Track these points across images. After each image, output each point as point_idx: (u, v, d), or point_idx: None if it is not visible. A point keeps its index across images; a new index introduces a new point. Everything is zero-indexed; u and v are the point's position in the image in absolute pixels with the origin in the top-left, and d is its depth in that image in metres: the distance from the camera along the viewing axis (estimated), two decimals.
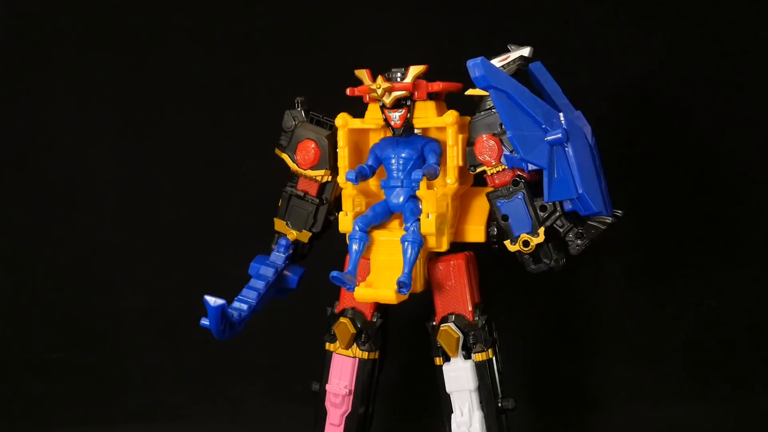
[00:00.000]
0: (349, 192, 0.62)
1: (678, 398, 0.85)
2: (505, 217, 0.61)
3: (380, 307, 0.66)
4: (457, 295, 0.64)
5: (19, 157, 0.90)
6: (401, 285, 0.58)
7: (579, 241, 0.58)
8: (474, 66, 0.55)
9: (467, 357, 0.63)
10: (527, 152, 0.56)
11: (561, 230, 0.59)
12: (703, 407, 0.84)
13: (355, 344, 0.65)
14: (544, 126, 0.56)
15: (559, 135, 0.56)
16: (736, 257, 0.86)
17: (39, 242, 0.91)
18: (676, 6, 0.83)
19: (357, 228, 0.61)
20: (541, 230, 0.59)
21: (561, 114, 0.58)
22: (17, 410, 0.91)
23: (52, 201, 0.90)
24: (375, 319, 0.66)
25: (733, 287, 0.86)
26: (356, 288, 0.60)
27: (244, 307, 0.61)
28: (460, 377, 0.62)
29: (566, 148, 0.57)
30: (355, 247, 0.61)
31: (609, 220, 0.58)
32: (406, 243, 0.59)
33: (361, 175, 0.61)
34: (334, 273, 0.59)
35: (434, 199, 0.60)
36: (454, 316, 0.63)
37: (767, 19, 0.83)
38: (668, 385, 0.86)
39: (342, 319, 0.65)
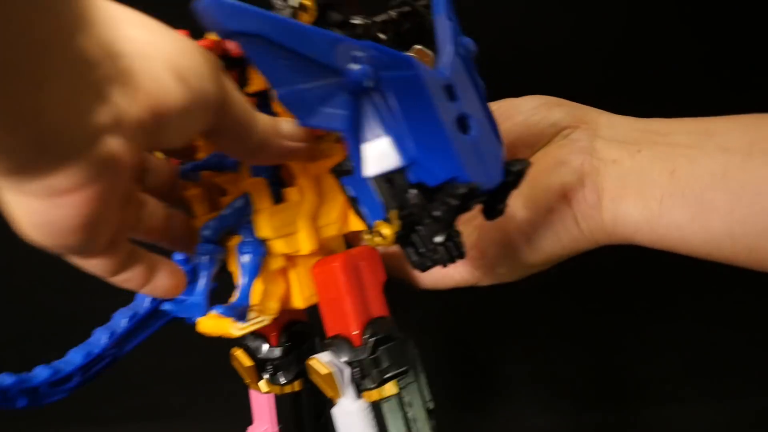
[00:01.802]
0: (191, 191, 0.50)
1: (678, 398, 0.85)
2: (354, 200, 0.44)
3: (293, 326, 0.53)
4: (339, 312, 0.47)
5: None
6: (236, 312, 0.45)
7: (420, 251, 0.41)
8: (204, 9, 0.37)
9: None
10: (307, 114, 0.39)
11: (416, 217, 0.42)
12: (703, 407, 0.84)
13: (265, 377, 0.53)
14: (336, 67, 0.39)
15: (354, 78, 0.39)
16: None
17: None
18: None
19: (202, 237, 0.47)
20: (394, 214, 0.41)
21: (363, 46, 0.39)
22: (17, 410, 0.91)
23: None
24: (281, 345, 0.52)
25: (733, 286, 0.86)
26: (199, 319, 0.47)
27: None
28: (348, 424, 0.47)
29: (380, 96, 0.40)
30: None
31: (462, 189, 0.39)
32: (240, 254, 0.47)
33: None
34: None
35: (263, 188, 0.47)
36: (338, 340, 0.47)
37: None
38: (669, 385, 0.86)
39: (234, 352, 0.53)
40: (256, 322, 0.45)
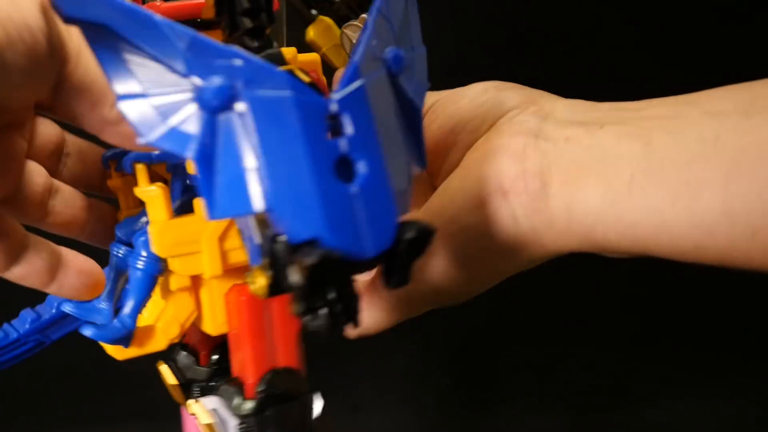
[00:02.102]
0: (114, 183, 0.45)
1: (678, 398, 0.85)
2: (241, 233, 0.38)
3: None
4: (240, 353, 0.42)
5: None
6: (112, 338, 0.40)
7: (298, 306, 0.32)
8: None
9: None
10: (149, 130, 0.32)
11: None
12: (703, 407, 0.84)
13: (194, 398, 0.47)
14: (188, 77, 0.31)
15: (208, 93, 0.31)
16: None
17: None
18: None
19: (116, 236, 0.42)
20: (265, 263, 0.34)
21: (225, 53, 0.31)
22: (17, 410, 0.91)
23: None
24: (210, 366, 0.46)
25: (733, 287, 0.86)
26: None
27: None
28: None
29: (241, 119, 0.32)
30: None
31: (311, 259, 0.30)
32: (129, 268, 0.41)
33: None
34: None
35: (159, 197, 0.40)
36: (232, 386, 0.43)
37: None
38: (669, 385, 0.86)
39: (159, 367, 0.48)
40: (134, 349, 0.41)
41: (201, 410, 0.41)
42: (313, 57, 0.44)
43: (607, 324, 0.88)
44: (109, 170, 0.44)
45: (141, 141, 0.31)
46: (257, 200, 0.31)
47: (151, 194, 0.40)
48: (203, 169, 0.31)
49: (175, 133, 0.31)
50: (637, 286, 0.87)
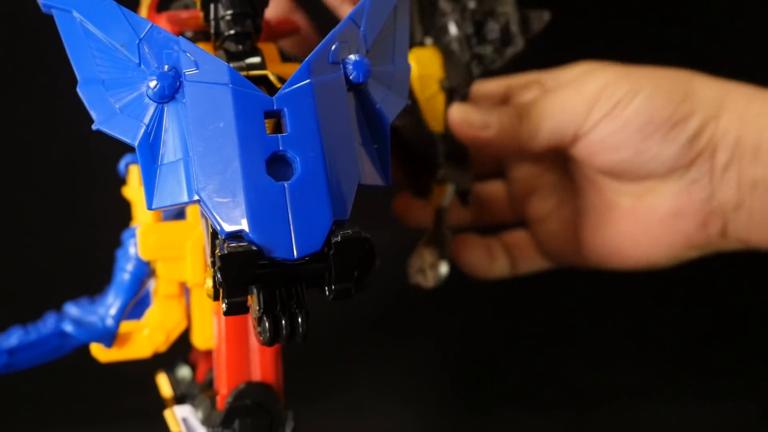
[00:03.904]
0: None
1: (678, 398, 0.85)
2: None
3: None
4: (218, 363, 0.41)
5: None
6: (92, 336, 0.40)
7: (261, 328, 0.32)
8: None
9: None
10: (105, 116, 0.33)
11: None
12: (703, 407, 0.84)
13: None
14: (141, 65, 0.33)
15: (154, 81, 0.32)
16: (735, 258, 0.86)
17: (38, 239, 0.91)
18: None
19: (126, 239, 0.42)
20: (210, 260, 0.34)
21: (172, 42, 0.33)
22: (16, 410, 0.91)
23: (50, 199, 0.90)
24: (207, 381, 0.46)
25: (733, 286, 0.86)
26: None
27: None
28: None
29: (181, 107, 0.32)
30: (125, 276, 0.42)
31: (223, 252, 0.30)
32: (118, 269, 0.42)
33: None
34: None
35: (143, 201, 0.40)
36: (207, 398, 0.43)
37: None
38: (669, 385, 0.86)
39: (159, 375, 0.49)
40: (128, 352, 0.40)
41: (171, 418, 0.41)
42: (296, 67, 0.44)
43: (607, 324, 0.88)
44: (127, 177, 0.43)
45: (94, 126, 0.33)
46: (189, 191, 0.32)
47: (140, 195, 0.40)
48: (145, 157, 0.32)
49: (123, 120, 0.32)
50: (637, 286, 0.87)
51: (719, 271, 0.90)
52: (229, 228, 0.31)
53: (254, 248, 0.30)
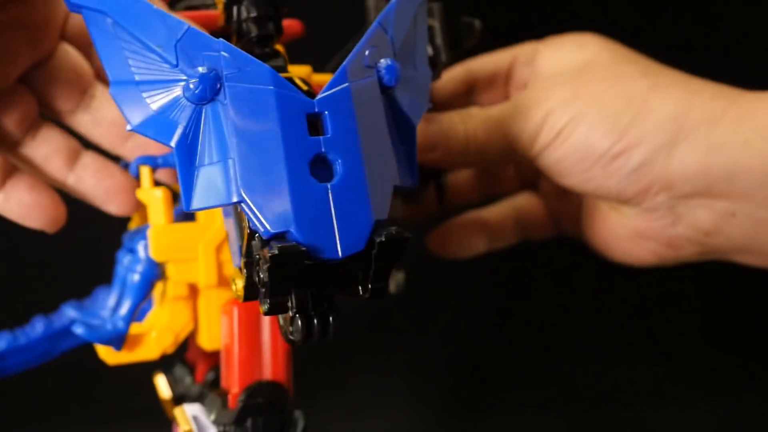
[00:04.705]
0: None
1: (678, 398, 0.85)
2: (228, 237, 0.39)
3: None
4: (229, 363, 0.41)
5: None
6: (102, 338, 0.40)
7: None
8: None
9: None
10: (139, 118, 0.33)
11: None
12: (703, 407, 0.84)
13: None
14: (178, 67, 0.32)
15: (194, 83, 0.32)
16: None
17: (38, 238, 0.91)
18: None
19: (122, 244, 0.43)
20: (242, 263, 0.34)
21: (213, 45, 0.32)
22: (17, 410, 0.91)
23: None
24: (206, 384, 0.46)
25: (733, 287, 0.86)
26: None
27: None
28: None
29: (223, 110, 0.32)
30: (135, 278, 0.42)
31: (273, 251, 0.30)
32: (128, 272, 0.42)
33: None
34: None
35: (162, 203, 0.41)
36: (216, 394, 0.43)
37: None
38: (669, 385, 0.86)
39: (156, 377, 0.49)
40: (137, 354, 0.41)
41: (182, 416, 0.41)
42: (305, 69, 0.45)
43: (607, 324, 0.88)
44: (138, 179, 0.43)
45: (128, 127, 0.32)
46: (231, 192, 0.31)
47: (153, 197, 0.40)
48: (183, 158, 0.32)
49: (160, 121, 0.32)
50: (638, 286, 0.87)
51: (719, 271, 0.90)
52: (274, 229, 0.31)
53: (303, 248, 0.31)
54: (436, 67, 0.51)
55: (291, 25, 0.44)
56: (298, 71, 0.44)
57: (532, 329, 0.88)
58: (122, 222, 0.52)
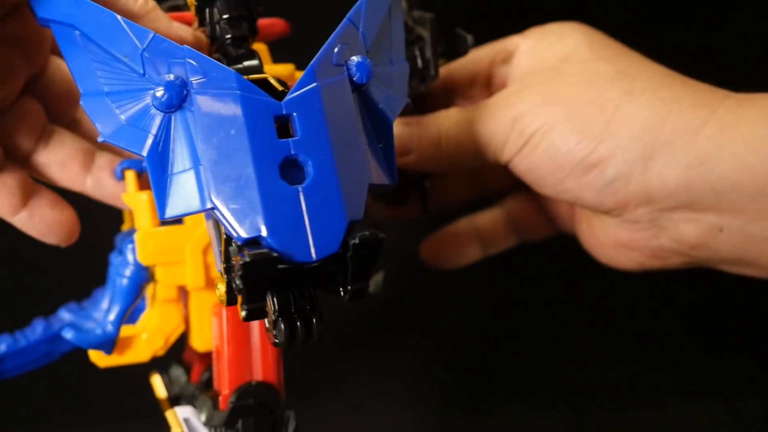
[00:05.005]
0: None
1: (678, 398, 0.85)
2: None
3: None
4: (220, 364, 0.41)
5: None
6: (92, 343, 0.40)
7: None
8: None
9: None
10: (111, 128, 0.33)
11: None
12: (703, 407, 0.84)
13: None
14: (146, 76, 0.32)
15: (160, 91, 0.32)
16: None
17: (39, 240, 0.90)
18: None
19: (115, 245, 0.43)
20: (223, 266, 0.34)
21: (177, 53, 0.32)
22: (17, 410, 0.91)
23: None
24: (201, 383, 0.46)
25: (733, 286, 0.86)
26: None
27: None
28: None
29: (189, 115, 0.32)
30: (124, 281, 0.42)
31: (245, 259, 0.30)
32: (117, 275, 0.42)
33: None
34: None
35: (147, 206, 0.41)
36: (207, 396, 0.43)
37: None
38: (669, 385, 0.86)
39: (152, 377, 0.49)
40: (127, 357, 0.41)
41: (173, 419, 0.41)
42: (287, 68, 0.44)
43: (607, 324, 0.88)
44: (123, 181, 0.43)
45: (100, 138, 0.33)
46: (204, 199, 0.31)
47: (139, 200, 0.40)
48: (155, 167, 0.32)
49: (131, 131, 0.32)
50: (638, 286, 0.87)
51: (718, 271, 0.90)
52: (246, 234, 0.31)
53: (275, 254, 0.30)
54: (425, 80, 0.50)
55: (276, 23, 0.44)
56: (280, 70, 0.44)
57: (531, 329, 0.88)
58: (122, 223, 0.52)
